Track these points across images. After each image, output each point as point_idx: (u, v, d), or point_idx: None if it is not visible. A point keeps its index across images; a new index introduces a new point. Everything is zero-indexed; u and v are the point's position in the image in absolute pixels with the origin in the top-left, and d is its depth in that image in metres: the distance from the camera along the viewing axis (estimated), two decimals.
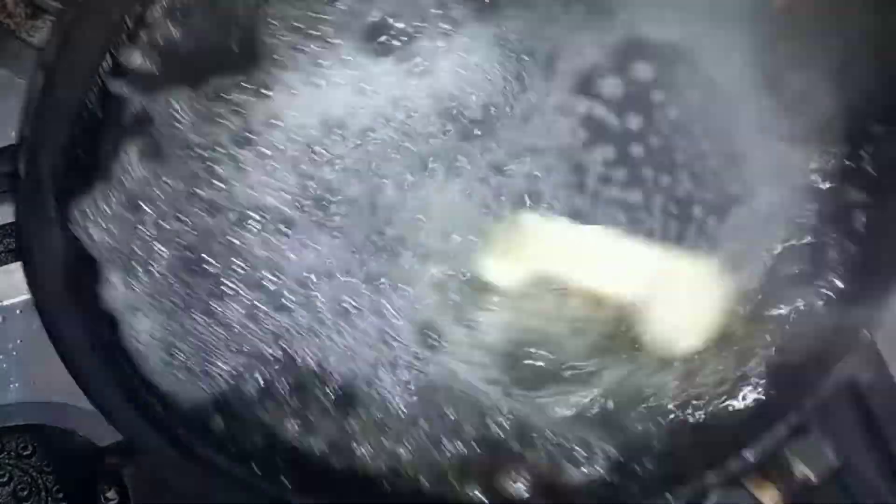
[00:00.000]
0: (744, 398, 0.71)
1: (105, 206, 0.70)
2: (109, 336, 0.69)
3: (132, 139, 0.70)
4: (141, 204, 0.70)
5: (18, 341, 0.86)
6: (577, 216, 0.70)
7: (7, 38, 0.98)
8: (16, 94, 0.95)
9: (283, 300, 0.71)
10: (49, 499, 0.74)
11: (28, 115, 0.67)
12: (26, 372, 0.84)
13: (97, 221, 0.70)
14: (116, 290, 0.70)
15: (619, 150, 0.71)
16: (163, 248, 0.70)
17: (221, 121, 0.70)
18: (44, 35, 0.98)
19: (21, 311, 0.87)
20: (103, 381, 0.68)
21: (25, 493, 0.73)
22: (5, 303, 0.87)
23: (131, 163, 0.70)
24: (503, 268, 0.70)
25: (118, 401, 0.68)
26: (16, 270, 0.85)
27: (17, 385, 0.84)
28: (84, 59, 0.69)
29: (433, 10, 0.70)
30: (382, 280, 0.71)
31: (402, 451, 0.70)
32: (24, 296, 0.87)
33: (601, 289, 0.70)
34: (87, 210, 0.69)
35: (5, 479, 0.74)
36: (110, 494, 0.77)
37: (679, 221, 0.71)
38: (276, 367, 0.70)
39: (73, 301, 0.68)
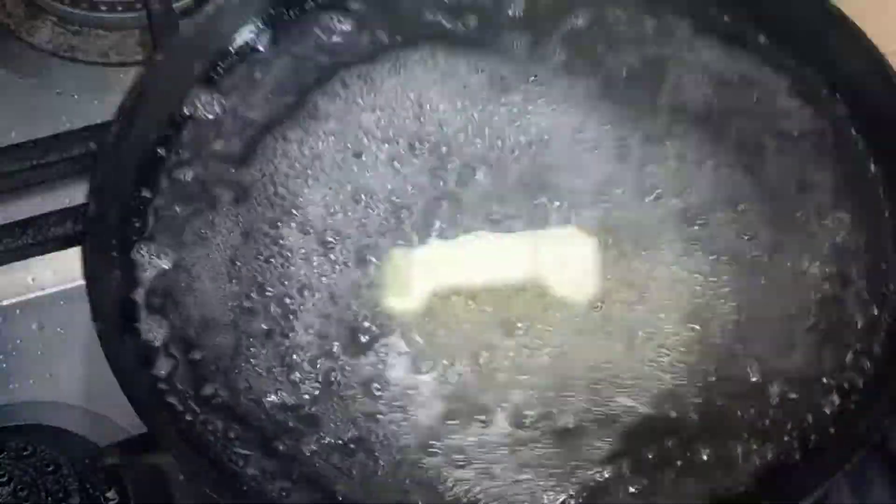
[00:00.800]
0: None
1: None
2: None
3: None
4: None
5: (18, 341, 0.86)
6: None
7: (7, 38, 0.98)
8: (16, 94, 0.95)
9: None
10: (49, 499, 0.73)
11: (101, 157, 0.74)
12: (26, 372, 0.85)
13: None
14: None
15: None
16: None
17: None
18: (44, 35, 0.98)
19: (21, 311, 0.87)
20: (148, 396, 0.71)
21: (25, 493, 0.73)
22: (5, 303, 0.87)
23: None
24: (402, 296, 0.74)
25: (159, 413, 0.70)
26: (16, 270, 0.86)
27: (17, 385, 0.84)
28: (157, 110, 0.78)
29: None
30: None
31: None
32: (25, 296, 0.87)
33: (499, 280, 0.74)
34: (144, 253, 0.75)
35: (5, 479, 0.73)
36: (110, 494, 0.77)
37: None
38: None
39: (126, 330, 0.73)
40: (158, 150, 0.78)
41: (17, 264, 0.82)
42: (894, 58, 0.79)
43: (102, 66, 0.97)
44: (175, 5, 0.91)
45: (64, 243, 0.81)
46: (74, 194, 0.87)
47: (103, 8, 0.98)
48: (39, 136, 0.85)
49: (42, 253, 0.81)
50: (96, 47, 0.98)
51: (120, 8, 0.98)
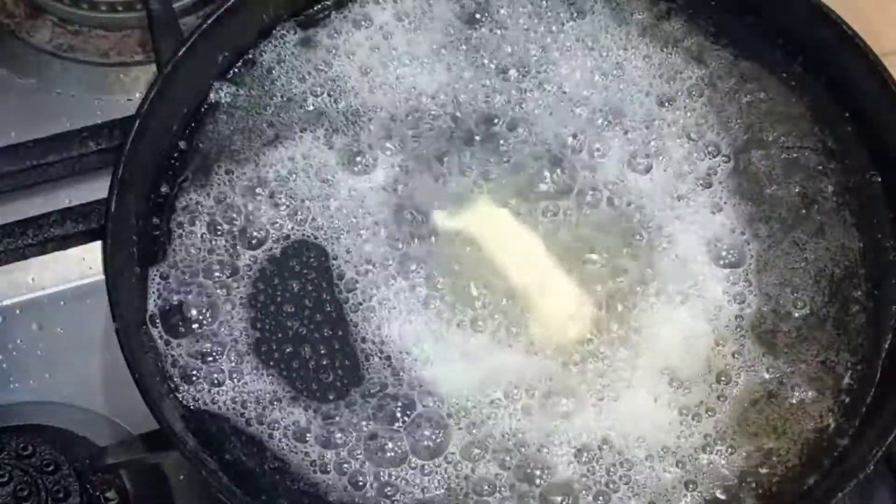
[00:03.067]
0: None
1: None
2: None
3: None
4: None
5: (18, 341, 0.86)
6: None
7: (7, 38, 0.98)
8: (16, 94, 0.95)
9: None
10: (49, 499, 0.73)
11: (122, 156, 0.73)
12: (26, 372, 0.84)
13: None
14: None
15: None
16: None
17: None
18: (44, 35, 0.98)
19: (21, 311, 0.87)
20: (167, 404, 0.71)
21: (25, 493, 0.73)
22: (5, 303, 0.87)
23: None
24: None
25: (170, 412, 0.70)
26: (16, 270, 0.86)
27: (17, 385, 0.84)
28: (178, 105, 0.78)
29: None
30: None
31: None
32: (24, 296, 0.87)
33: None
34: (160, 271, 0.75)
35: (5, 479, 0.73)
36: (110, 494, 0.77)
37: None
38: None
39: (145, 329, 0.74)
40: (180, 144, 0.79)
41: (17, 264, 0.82)
42: (893, 58, 0.79)
43: (102, 66, 0.97)
44: (175, 5, 0.91)
45: (64, 243, 0.81)
46: (74, 194, 0.87)
47: (103, 8, 0.98)
48: (39, 136, 0.86)
49: (42, 253, 0.81)
50: (96, 47, 0.97)
51: (120, 8, 0.97)
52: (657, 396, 0.73)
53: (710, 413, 0.72)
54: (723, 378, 0.73)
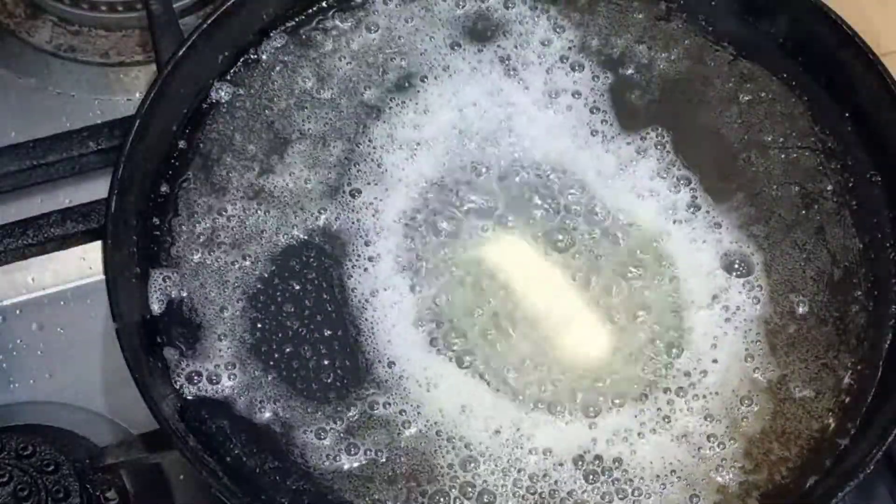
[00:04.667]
0: None
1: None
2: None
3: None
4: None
5: (18, 341, 0.86)
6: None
7: (7, 38, 0.98)
8: (16, 94, 0.95)
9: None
10: (49, 499, 0.73)
11: (122, 156, 0.73)
12: (26, 372, 0.84)
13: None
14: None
15: None
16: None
17: None
18: (44, 35, 0.98)
19: (21, 311, 0.87)
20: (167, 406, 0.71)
21: (25, 493, 0.73)
22: (5, 303, 0.87)
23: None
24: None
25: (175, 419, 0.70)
26: (16, 270, 0.86)
27: (17, 385, 0.84)
28: (178, 104, 0.79)
29: None
30: None
31: None
32: (24, 296, 0.87)
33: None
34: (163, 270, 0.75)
35: (5, 479, 0.73)
36: (110, 494, 0.77)
37: None
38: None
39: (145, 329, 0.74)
40: (180, 144, 0.79)
41: (17, 264, 0.82)
42: (893, 58, 0.79)
43: (102, 66, 0.97)
44: (175, 5, 0.91)
45: (64, 243, 0.81)
46: (74, 194, 0.87)
47: (103, 8, 0.98)
48: (39, 136, 0.86)
49: (42, 253, 0.81)
50: (96, 47, 0.97)
51: (120, 8, 0.97)
52: (688, 434, 0.72)
53: (733, 440, 0.71)
54: (746, 401, 0.72)
